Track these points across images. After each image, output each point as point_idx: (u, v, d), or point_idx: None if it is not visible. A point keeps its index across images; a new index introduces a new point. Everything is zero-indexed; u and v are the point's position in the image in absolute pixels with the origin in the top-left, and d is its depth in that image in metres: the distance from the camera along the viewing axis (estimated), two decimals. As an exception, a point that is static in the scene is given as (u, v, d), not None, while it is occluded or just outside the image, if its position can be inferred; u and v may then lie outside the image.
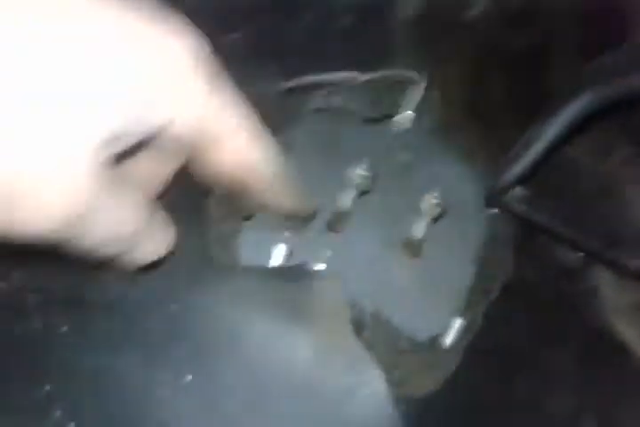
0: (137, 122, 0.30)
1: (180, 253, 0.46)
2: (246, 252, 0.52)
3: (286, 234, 0.49)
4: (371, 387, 0.46)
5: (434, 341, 0.55)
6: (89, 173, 0.29)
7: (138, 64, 0.30)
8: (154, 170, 0.39)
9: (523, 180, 0.60)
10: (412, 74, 0.65)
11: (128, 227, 0.34)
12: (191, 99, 0.33)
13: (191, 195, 0.49)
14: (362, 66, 0.62)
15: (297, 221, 0.50)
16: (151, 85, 0.30)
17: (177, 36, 0.32)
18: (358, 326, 0.50)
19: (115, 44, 0.29)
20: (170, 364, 0.41)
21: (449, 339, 0.55)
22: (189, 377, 0.40)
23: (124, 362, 0.40)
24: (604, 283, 0.65)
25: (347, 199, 0.59)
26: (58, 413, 0.41)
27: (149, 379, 0.40)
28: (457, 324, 0.55)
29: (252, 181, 0.39)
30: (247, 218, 0.54)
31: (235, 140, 0.36)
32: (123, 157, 0.33)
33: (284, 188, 0.42)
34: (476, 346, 0.56)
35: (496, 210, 0.63)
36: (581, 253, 0.64)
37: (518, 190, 0.61)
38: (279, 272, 0.48)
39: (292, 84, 0.61)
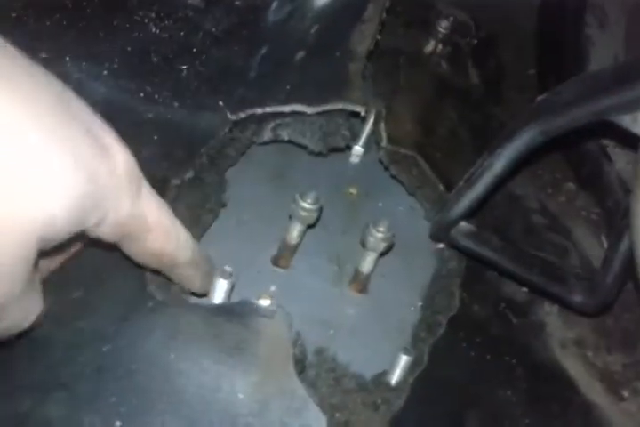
0: (72, 224, 0.34)
1: (113, 290, 0.44)
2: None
3: (227, 268, 0.47)
4: (313, 431, 0.44)
5: (380, 378, 0.53)
6: (20, 269, 0.32)
7: (77, 177, 0.33)
8: (61, 259, 0.44)
9: (469, 214, 0.60)
10: (361, 108, 0.65)
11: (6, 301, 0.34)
12: (120, 205, 0.37)
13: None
14: (312, 100, 0.62)
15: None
16: (89, 196, 0.34)
17: (112, 153, 0.36)
18: (302, 365, 0.48)
19: (61, 160, 0.32)
20: (98, 409, 0.39)
21: (395, 376, 0.53)
22: (118, 424, 0.38)
23: (48, 409, 0.38)
24: (551, 318, 0.65)
25: (293, 233, 0.58)
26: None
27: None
28: (403, 360, 0.53)
29: (167, 264, 0.44)
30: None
31: (153, 235, 0.40)
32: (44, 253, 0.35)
33: (195, 271, 0.47)
34: (423, 383, 0.55)
35: (442, 244, 0.63)
36: (527, 288, 0.65)
37: (464, 225, 0.61)
38: (221, 309, 0.46)
39: (241, 115, 0.61)
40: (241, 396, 0.43)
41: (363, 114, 0.65)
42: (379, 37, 0.69)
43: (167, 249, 0.42)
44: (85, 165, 0.33)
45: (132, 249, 0.41)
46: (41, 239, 0.32)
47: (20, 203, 0.31)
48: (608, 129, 0.54)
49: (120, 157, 0.36)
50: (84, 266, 0.45)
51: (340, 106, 0.63)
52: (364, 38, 0.68)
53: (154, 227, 0.40)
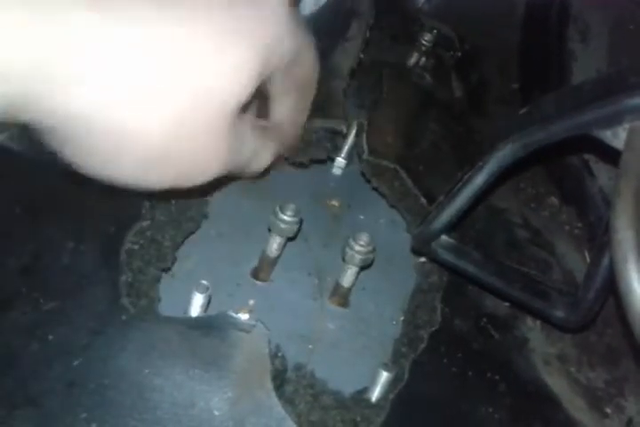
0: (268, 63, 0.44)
1: (86, 302, 0.43)
2: (164, 301, 0.50)
3: (204, 282, 0.46)
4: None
5: (360, 395, 0.52)
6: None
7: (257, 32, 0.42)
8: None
9: (450, 227, 0.59)
10: (343, 122, 0.65)
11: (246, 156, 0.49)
12: (291, 41, 0.46)
13: (104, 244, 0.47)
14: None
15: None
16: (268, 40, 0.43)
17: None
18: (280, 381, 0.47)
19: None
20: (68, 424, 0.38)
21: (376, 393, 0.52)
22: (88, 440, 0.37)
23: (16, 424, 0.37)
24: (533, 333, 0.64)
25: (272, 245, 0.57)
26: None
27: (42, 443, 0.36)
28: (384, 377, 0.52)
29: (310, 79, 0.55)
30: (165, 269, 0.52)
31: (307, 55, 0.51)
32: None
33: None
34: (404, 399, 0.54)
35: (424, 258, 0.63)
36: (509, 303, 0.64)
37: (446, 239, 0.60)
38: (197, 322, 0.45)
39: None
40: (216, 413, 0.41)
41: (344, 132, 0.65)
42: (362, 56, 0.69)
43: (309, 63, 0.52)
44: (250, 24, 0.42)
45: (294, 74, 0.50)
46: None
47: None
48: (590, 143, 0.54)
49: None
50: (59, 277, 0.44)
51: (320, 120, 0.63)
52: (347, 56, 0.68)
53: (307, 48, 0.50)
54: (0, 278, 0.44)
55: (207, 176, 0.45)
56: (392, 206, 0.65)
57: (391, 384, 0.53)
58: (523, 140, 0.55)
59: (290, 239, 0.57)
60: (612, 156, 0.53)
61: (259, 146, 0.50)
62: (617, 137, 0.52)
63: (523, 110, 0.58)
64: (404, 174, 0.64)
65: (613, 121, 0.51)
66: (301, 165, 0.63)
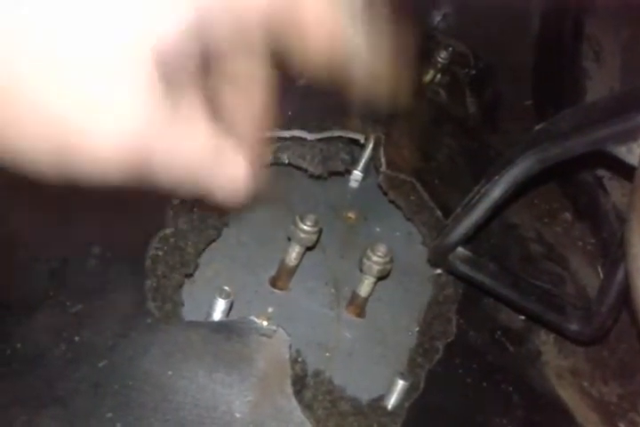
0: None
1: (112, 305, 0.44)
2: (187, 306, 0.51)
3: (226, 288, 0.47)
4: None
5: (376, 402, 0.53)
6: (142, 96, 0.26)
7: None
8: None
9: (466, 240, 0.60)
10: (360, 136, 0.66)
11: (195, 153, 0.30)
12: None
13: (129, 250, 0.48)
14: (312, 126, 0.63)
15: None
16: None
17: None
18: (299, 386, 0.48)
19: None
20: (94, 425, 0.38)
21: (392, 400, 0.53)
22: (115, 438, 0.38)
23: (43, 424, 0.37)
24: (547, 347, 0.65)
25: (291, 254, 0.58)
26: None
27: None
28: (400, 385, 0.53)
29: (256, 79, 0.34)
30: (188, 275, 0.53)
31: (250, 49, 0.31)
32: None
33: None
34: (419, 408, 0.54)
35: (439, 270, 0.64)
36: (523, 315, 0.65)
37: (462, 251, 0.61)
38: (220, 326, 0.46)
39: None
40: (238, 415, 0.42)
41: (362, 141, 0.66)
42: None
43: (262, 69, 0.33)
44: None
45: (240, 65, 0.32)
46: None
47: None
48: (604, 160, 0.55)
49: None
50: (85, 281, 0.45)
51: (339, 133, 0.64)
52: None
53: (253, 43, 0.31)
54: (29, 281, 0.45)
55: (114, 141, 0.27)
56: (408, 219, 0.65)
57: (407, 393, 0.54)
58: (539, 155, 0.56)
59: (308, 249, 0.58)
60: (626, 171, 0.54)
61: (217, 147, 0.32)
62: (631, 153, 0.53)
63: (539, 126, 0.59)
64: (420, 188, 0.65)
65: (628, 138, 0.52)
66: (319, 178, 0.64)
